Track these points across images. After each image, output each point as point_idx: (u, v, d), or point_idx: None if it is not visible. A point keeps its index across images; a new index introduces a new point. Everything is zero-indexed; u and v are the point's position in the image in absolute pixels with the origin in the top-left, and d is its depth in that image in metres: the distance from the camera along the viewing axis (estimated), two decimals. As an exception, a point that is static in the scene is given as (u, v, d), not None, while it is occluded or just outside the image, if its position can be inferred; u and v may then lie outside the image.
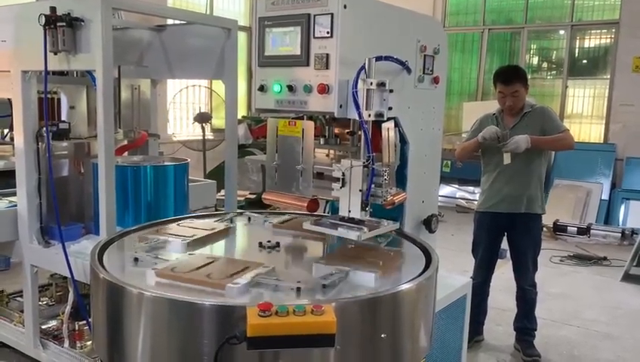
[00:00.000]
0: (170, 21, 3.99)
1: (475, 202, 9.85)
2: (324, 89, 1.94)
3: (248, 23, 9.43)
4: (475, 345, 4.09)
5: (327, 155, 2.13)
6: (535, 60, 10.18)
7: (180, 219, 2.51)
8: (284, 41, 2.04)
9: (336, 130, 2.35)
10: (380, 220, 2.01)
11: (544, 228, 7.53)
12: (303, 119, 2.34)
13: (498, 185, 3.86)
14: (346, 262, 1.84)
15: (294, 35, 2.00)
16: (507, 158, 3.73)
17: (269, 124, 2.22)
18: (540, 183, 3.89)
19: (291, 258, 2.06)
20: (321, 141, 2.29)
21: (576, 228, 7.26)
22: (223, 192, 3.69)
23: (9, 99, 3.18)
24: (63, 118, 3.40)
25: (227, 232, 2.35)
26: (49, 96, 3.13)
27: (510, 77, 3.81)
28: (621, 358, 4.06)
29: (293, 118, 2.15)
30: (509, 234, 4.00)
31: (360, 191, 1.87)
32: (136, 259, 1.94)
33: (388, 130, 2.02)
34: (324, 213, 2.71)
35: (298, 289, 1.63)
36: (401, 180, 2.35)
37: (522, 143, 3.62)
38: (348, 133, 2.20)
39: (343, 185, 1.91)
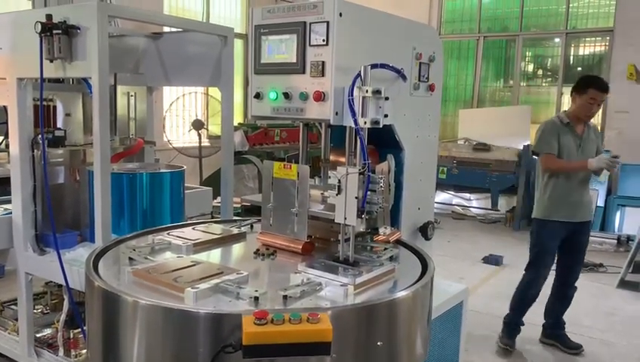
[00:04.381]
0: (166, 28, 4.00)
1: (472, 209, 9.83)
2: (320, 96, 1.94)
3: (245, 31, 9.45)
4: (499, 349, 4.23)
5: (322, 194, 2.12)
6: (530, 68, 10.23)
7: (197, 224, 2.54)
8: (280, 49, 2.05)
9: (332, 157, 2.35)
10: (377, 260, 2.00)
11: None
12: (299, 128, 2.35)
13: (568, 193, 3.97)
14: (328, 273, 1.82)
15: (290, 43, 2.01)
16: (605, 176, 3.95)
17: (265, 166, 2.22)
18: None
19: (281, 266, 2.05)
20: (316, 181, 2.29)
21: (572, 235, 7.24)
22: (219, 199, 3.68)
23: (4, 107, 3.17)
24: (59, 125, 3.40)
25: (235, 238, 2.36)
26: (45, 103, 3.13)
27: (607, 85, 3.94)
28: (618, 365, 4.07)
29: (287, 162, 2.16)
30: (571, 235, 4.11)
31: (356, 198, 1.87)
32: (131, 259, 1.98)
33: (382, 170, 2.02)
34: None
35: (256, 298, 1.62)
36: (397, 187, 2.35)
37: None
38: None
39: (339, 193, 1.91)
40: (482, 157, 8.94)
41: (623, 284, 5.79)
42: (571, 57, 9.61)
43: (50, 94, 3.39)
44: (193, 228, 2.43)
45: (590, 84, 3.92)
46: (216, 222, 2.64)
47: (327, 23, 1.92)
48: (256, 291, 1.64)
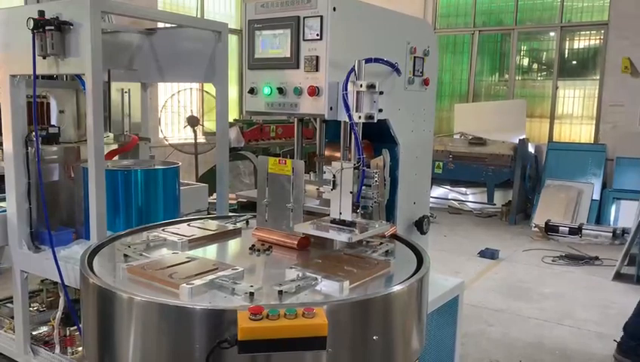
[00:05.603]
0: (160, 24, 3.98)
1: (468, 204, 9.83)
2: (314, 91, 1.94)
3: (239, 26, 9.42)
4: None
5: (318, 189, 2.12)
6: (525, 61, 10.24)
7: (192, 220, 2.53)
8: (274, 44, 2.04)
9: (327, 153, 2.35)
10: (371, 221, 2.00)
11: (536, 228, 7.60)
12: (294, 124, 2.35)
13: None
14: (323, 269, 1.81)
15: (284, 38, 2.01)
16: None
17: (260, 162, 2.22)
18: None
19: (277, 262, 2.05)
20: (311, 176, 2.29)
21: (567, 228, 7.30)
22: (215, 196, 3.67)
23: (-2, 104, 3.15)
24: (53, 122, 3.39)
25: (230, 234, 2.35)
26: (38, 100, 3.12)
27: None
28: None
29: (282, 157, 2.16)
30: None
31: (351, 193, 1.87)
32: (126, 256, 1.98)
33: (377, 164, 2.02)
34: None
35: (251, 294, 1.61)
36: (392, 182, 2.35)
37: None
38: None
39: (333, 187, 1.91)
40: (478, 152, 8.96)
41: (619, 277, 5.82)
42: (566, 51, 9.62)
43: (44, 91, 3.37)
44: (188, 225, 2.43)
45: None
46: (211, 218, 2.64)
47: (321, 17, 1.92)
48: (252, 286, 1.64)
